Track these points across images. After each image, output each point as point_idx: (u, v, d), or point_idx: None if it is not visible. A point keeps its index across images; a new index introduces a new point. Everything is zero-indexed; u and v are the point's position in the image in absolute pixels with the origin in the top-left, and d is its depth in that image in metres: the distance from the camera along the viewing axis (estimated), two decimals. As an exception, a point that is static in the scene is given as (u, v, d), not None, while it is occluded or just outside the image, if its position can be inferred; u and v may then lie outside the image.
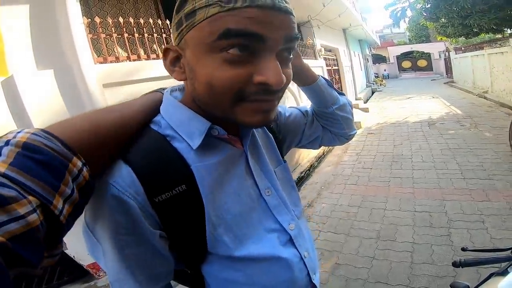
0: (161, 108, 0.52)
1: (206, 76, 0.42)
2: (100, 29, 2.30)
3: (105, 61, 2.29)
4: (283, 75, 0.41)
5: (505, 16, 8.38)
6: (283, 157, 0.67)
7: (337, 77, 9.82)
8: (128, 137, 0.46)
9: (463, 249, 0.80)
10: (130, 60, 2.43)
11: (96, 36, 2.31)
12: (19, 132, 0.33)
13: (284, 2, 0.41)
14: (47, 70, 1.96)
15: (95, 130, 0.40)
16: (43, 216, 0.29)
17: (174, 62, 0.47)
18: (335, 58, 10.03)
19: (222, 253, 0.49)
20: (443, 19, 10.31)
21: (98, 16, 2.37)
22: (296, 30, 0.44)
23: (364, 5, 14.89)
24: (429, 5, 10.08)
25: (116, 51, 2.43)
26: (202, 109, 0.48)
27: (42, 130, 0.34)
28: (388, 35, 36.82)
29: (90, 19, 2.27)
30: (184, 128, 0.48)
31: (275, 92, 0.42)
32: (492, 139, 4.85)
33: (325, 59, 8.22)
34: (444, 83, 16.07)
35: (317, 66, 7.06)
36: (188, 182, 0.46)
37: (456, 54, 14.63)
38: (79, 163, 0.36)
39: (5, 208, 0.26)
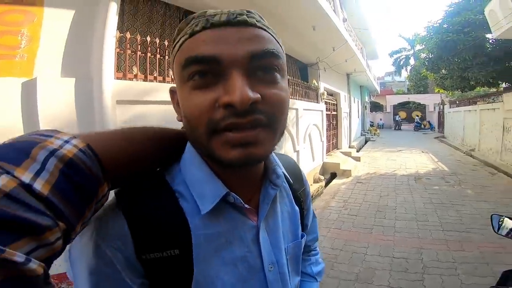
0: (182, 157, 0.48)
1: (182, 108, 0.41)
2: (128, 45, 2.34)
3: (124, 77, 2.31)
4: (250, 93, 0.36)
5: (502, 69, 8.73)
6: (303, 229, 0.63)
7: (334, 122, 9.87)
8: (155, 163, 0.45)
9: None
10: (146, 80, 2.45)
11: (122, 52, 2.34)
12: (67, 142, 0.32)
13: (245, 16, 0.39)
14: (70, 78, 1.97)
15: (130, 151, 0.40)
16: (63, 239, 0.29)
17: (178, 104, 0.45)
18: (335, 103, 10.08)
19: None
20: (443, 70, 10.79)
21: (129, 32, 2.43)
22: (271, 45, 0.40)
23: (371, 51, 15.22)
24: (432, 55, 10.63)
25: (135, 69, 2.44)
26: (211, 163, 0.46)
27: (88, 145, 0.34)
28: (388, 82, 37.23)
29: (122, 34, 2.32)
30: (197, 188, 0.45)
31: (244, 113, 0.36)
32: (473, 196, 5.10)
33: (326, 103, 8.25)
34: (435, 137, 16.61)
35: (318, 110, 7.15)
36: (183, 248, 0.43)
37: (450, 107, 14.85)
38: (106, 189, 0.35)
39: (39, 237, 0.26)
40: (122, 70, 2.37)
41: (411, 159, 9.62)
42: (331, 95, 9.62)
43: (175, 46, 0.42)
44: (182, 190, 0.45)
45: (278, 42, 0.43)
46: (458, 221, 3.86)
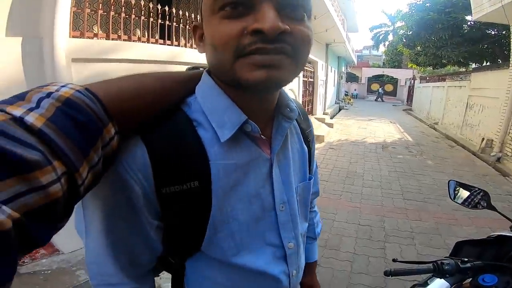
0: (197, 88, 0.49)
1: (209, 38, 0.41)
2: (87, 3, 2.24)
3: (81, 36, 2.24)
4: (280, 23, 0.37)
5: (475, 50, 9.27)
6: (310, 173, 0.64)
7: (310, 89, 10.15)
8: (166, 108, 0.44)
9: (394, 260, 0.92)
10: (108, 39, 2.40)
11: (80, 10, 2.25)
12: (63, 86, 0.31)
13: None
14: (15, 37, 1.86)
15: (136, 95, 0.38)
16: (67, 186, 0.27)
17: (200, 38, 0.46)
18: (312, 71, 10.31)
19: (214, 256, 0.48)
20: (419, 47, 11.27)
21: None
22: None
23: (352, 24, 15.32)
24: (410, 32, 11.02)
25: (96, 28, 2.40)
26: (229, 91, 0.46)
27: (87, 88, 0.32)
28: (366, 55, 38.82)
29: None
30: (216, 116, 0.45)
31: (272, 41, 0.37)
32: (433, 167, 5.48)
33: (303, 70, 8.45)
34: (403, 110, 17.50)
35: None
36: (202, 179, 0.43)
37: (420, 83, 15.66)
38: (113, 131, 0.34)
39: (25, 176, 0.23)
40: (80, 29, 2.29)
41: (380, 128, 10.04)
42: (309, 62, 9.71)
43: None
44: (200, 118, 0.45)
45: None
46: (417, 190, 4.15)
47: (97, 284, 0.47)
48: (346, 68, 23.95)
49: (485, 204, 0.99)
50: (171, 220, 0.44)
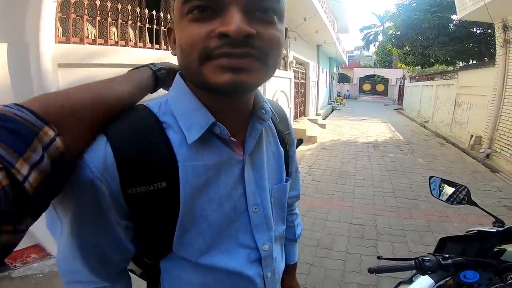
0: (170, 90, 0.50)
1: (178, 40, 0.42)
2: (73, 9, 2.24)
3: (67, 41, 2.24)
4: (247, 26, 0.37)
5: (461, 49, 9.42)
6: (288, 175, 0.64)
7: (302, 90, 10.24)
8: (111, 116, 0.43)
9: (379, 258, 0.93)
10: (96, 44, 2.40)
11: (65, 16, 2.25)
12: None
13: None
14: (0, 43, 1.85)
15: (71, 105, 0.38)
16: (8, 182, 0.28)
17: (174, 40, 0.46)
18: (304, 72, 10.41)
19: (186, 257, 0.47)
20: (407, 47, 11.43)
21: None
22: None
23: (343, 25, 15.66)
24: (399, 32, 11.19)
25: (83, 32, 2.38)
26: (200, 94, 0.46)
27: (14, 103, 0.34)
28: (357, 56, 39.26)
29: (65, -3, 2.19)
30: (185, 118, 0.45)
31: (238, 45, 0.37)
32: (424, 165, 5.55)
33: (294, 71, 8.51)
34: (394, 109, 17.74)
35: (286, 78, 7.32)
36: (170, 180, 0.43)
37: (410, 82, 15.90)
38: (51, 133, 0.34)
39: None
40: (66, 35, 2.30)
41: (371, 127, 10.15)
42: (301, 64, 9.83)
43: None
44: (169, 120, 0.46)
45: None
46: (408, 189, 4.19)
47: (68, 282, 0.48)
48: (338, 69, 24.29)
49: (467, 199, 0.99)
50: (140, 220, 0.44)
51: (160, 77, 0.55)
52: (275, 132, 0.60)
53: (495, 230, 0.89)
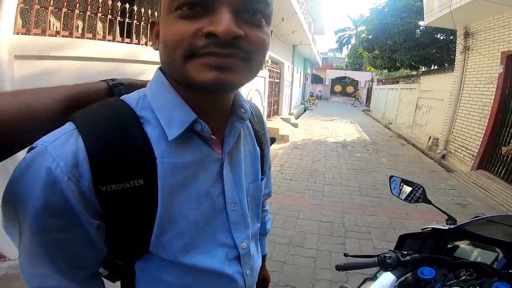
0: (148, 85, 0.48)
1: (163, 35, 0.41)
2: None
3: (28, 32, 2.10)
4: (235, 28, 0.37)
5: (425, 54, 9.94)
6: (263, 174, 0.65)
7: (276, 90, 10.30)
8: (35, 128, 0.39)
9: (345, 255, 0.97)
10: (60, 36, 2.27)
11: (28, 7, 2.10)
12: None
13: None
14: None
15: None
16: None
17: (156, 35, 0.45)
18: (279, 71, 10.44)
19: (164, 257, 0.46)
20: (377, 51, 11.87)
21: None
22: None
23: (319, 27, 16.03)
24: (370, 36, 11.61)
25: (45, 24, 2.25)
26: (180, 90, 0.45)
27: None
28: (330, 58, 40.55)
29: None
30: (165, 114, 0.44)
31: (225, 45, 0.38)
32: (387, 164, 5.90)
33: (269, 71, 8.52)
34: (362, 110, 18.58)
35: (261, 76, 7.28)
36: (148, 178, 0.42)
37: (377, 85, 16.69)
38: None
39: None
40: (27, 26, 2.17)
41: (341, 128, 10.56)
42: (276, 63, 9.85)
43: None
44: (148, 115, 0.44)
45: None
46: (373, 187, 4.45)
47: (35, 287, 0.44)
48: (312, 70, 24.79)
49: (423, 198, 1.07)
50: (114, 219, 0.42)
51: (116, 92, 0.52)
52: (252, 132, 0.62)
53: (447, 228, 0.95)
